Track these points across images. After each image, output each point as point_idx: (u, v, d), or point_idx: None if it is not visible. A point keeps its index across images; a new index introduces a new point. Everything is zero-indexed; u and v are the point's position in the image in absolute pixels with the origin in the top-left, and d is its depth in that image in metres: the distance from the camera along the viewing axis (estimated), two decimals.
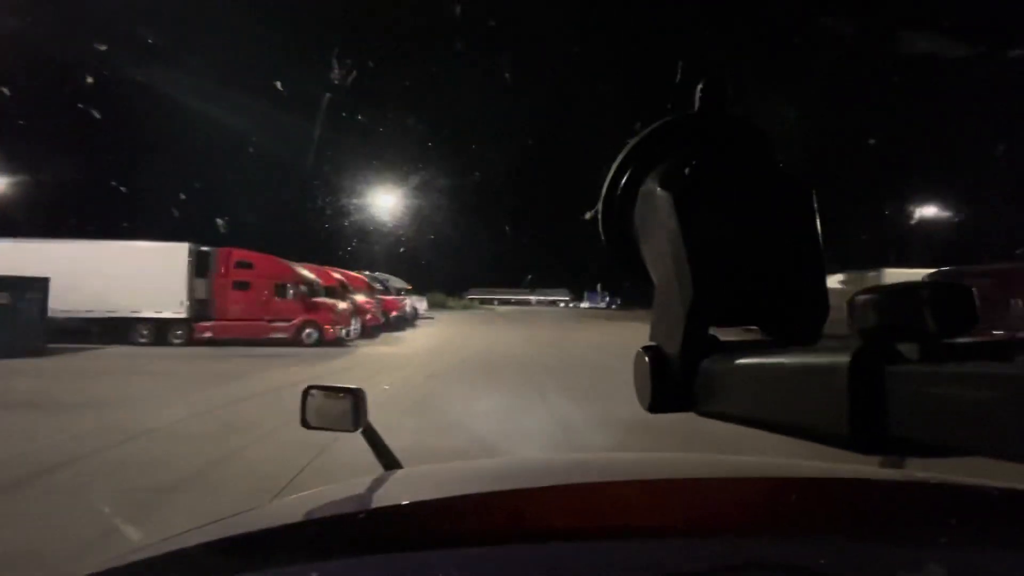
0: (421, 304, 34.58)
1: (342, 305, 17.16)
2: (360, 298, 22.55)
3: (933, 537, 0.70)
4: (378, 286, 28.53)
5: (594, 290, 63.58)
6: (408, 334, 21.49)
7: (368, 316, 21.90)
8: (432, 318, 33.61)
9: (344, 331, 16.39)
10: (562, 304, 63.95)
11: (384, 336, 19.84)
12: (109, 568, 0.67)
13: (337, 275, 22.54)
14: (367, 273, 29.54)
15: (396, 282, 34.35)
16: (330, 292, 19.63)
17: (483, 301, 58.83)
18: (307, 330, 16.08)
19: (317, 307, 16.43)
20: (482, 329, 25.11)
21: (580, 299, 64.60)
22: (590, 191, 0.47)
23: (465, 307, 48.82)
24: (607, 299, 62.86)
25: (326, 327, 16.11)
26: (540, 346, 16.77)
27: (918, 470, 0.96)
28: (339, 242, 34.74)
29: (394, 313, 25.42)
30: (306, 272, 17.60)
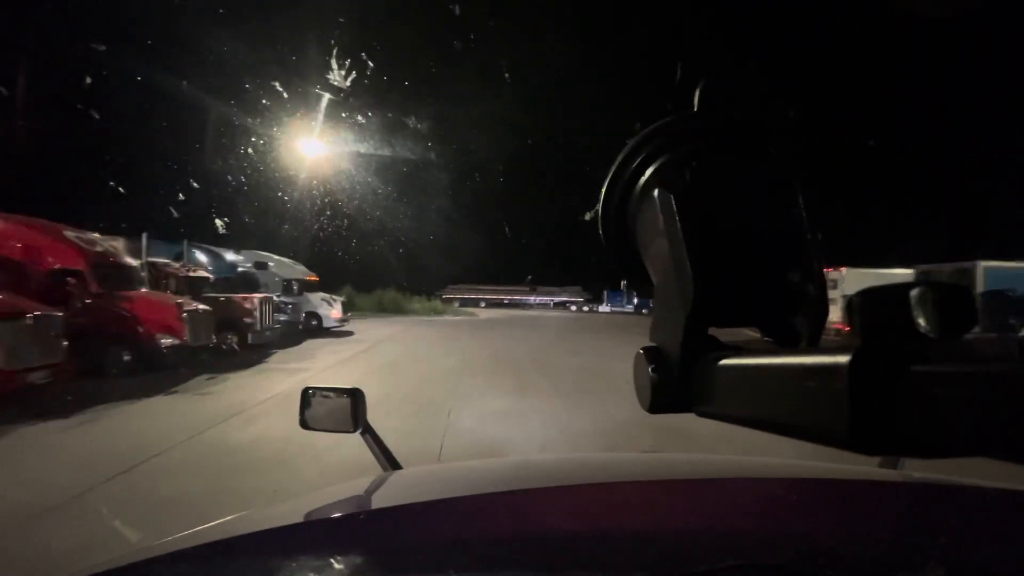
0: (330, 309, 18.79)
1: None
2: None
3: (933, 537, 0.70)
4: (201, 273, 13.30)
5: (617, 289, 48.02)
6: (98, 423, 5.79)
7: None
8: (351, 333, 17.99)
9: None
10: (574, 307, 48.09)
11: None
12: (109, 568, 0.67)
13: None
14: (174, 257, 14.02)
15: (286, 269, 18.28)
16: None
17: (466, 302, 42.66)
18: None
19: None
20: (381, 378, 9.34)
21: (599, 300, 49.11)
22: (602, 179, 0.45)
23: (434, 311, 32.80)
24: (635, 301, 47.32)
25: None
26: None
27: (918, 470, 1.00)
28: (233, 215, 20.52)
29: (168, 340, 9.67)
30: None
